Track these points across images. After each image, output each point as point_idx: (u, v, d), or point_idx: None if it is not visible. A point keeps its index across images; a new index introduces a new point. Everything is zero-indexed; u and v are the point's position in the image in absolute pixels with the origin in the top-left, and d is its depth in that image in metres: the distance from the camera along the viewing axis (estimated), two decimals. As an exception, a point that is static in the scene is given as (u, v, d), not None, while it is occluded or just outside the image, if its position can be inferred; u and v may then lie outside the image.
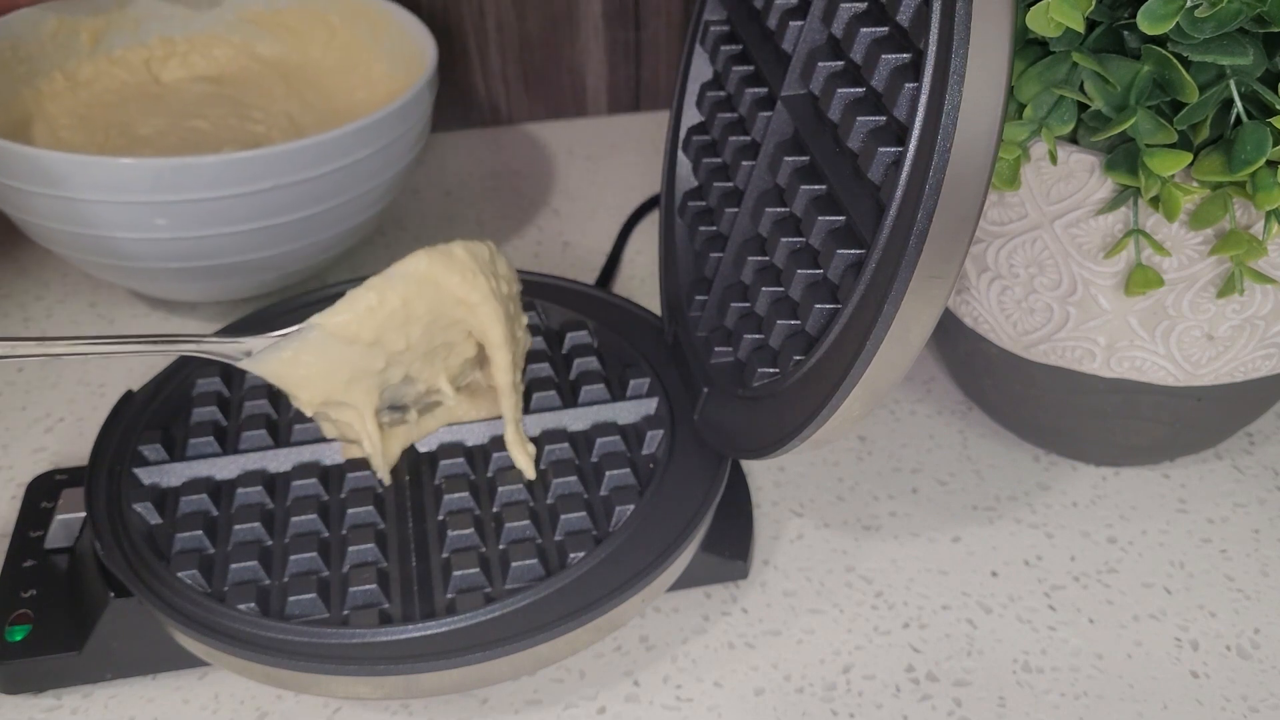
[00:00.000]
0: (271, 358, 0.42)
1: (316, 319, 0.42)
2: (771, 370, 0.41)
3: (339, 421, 0.44)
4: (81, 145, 0.60)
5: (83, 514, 0.45)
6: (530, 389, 0.48)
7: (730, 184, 0.46)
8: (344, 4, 0.66)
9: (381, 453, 0.45)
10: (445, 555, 0.42)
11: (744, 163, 0.44)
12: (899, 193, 0.32)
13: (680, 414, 0.47)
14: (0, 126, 0.60)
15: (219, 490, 0.45)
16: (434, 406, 0.46)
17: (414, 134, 0.57)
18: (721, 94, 0.48)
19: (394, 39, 0.63)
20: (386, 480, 0.45)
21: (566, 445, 0.46)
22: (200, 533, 0.42)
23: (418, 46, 0.61)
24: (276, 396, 0.49)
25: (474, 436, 0.47)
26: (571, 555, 0.41)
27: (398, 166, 0.57)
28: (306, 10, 0.67)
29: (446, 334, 0.44)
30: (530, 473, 0.45)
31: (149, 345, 0.41)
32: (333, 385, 0.43)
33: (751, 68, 0.45)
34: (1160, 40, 0.36)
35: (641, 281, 0.64)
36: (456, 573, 0.41)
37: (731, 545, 0.46)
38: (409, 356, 0.43)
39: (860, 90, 0.37)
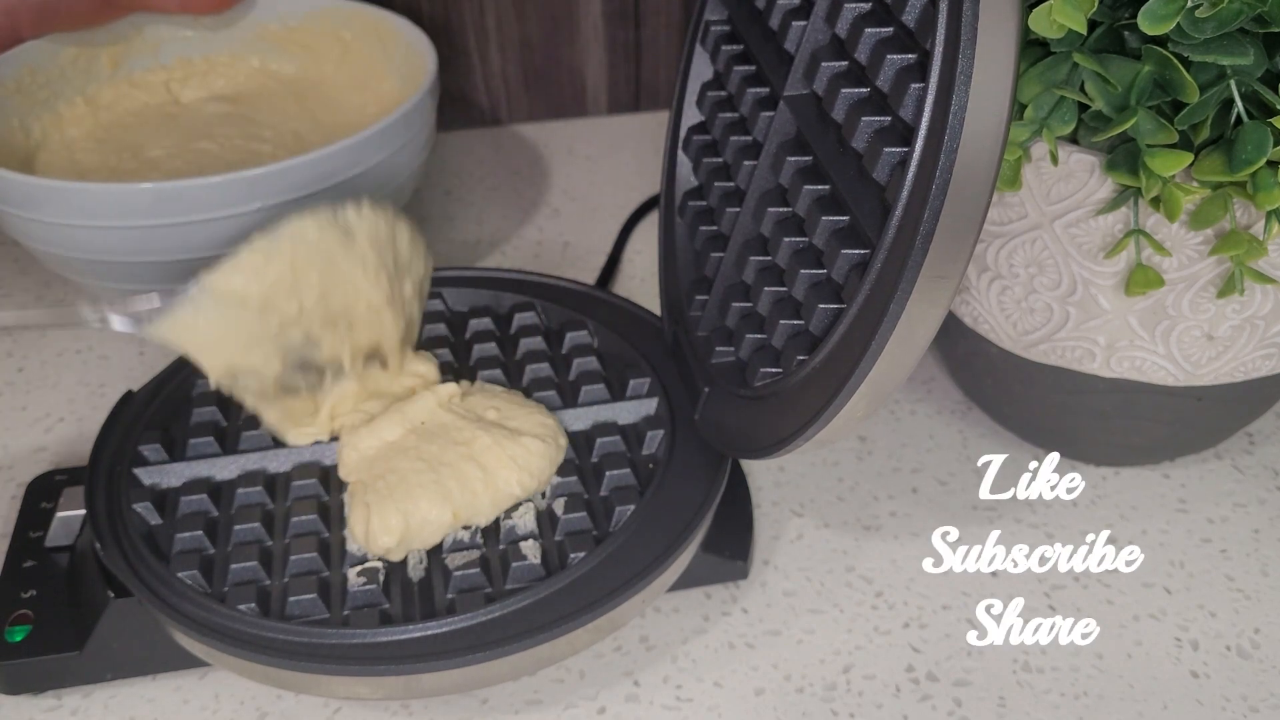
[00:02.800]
0: (166, 322, 0.41)
1: (205, 280, 0.41)
2: (774, 370, 0.41)
3: (246, 388, 0.43)
4: (95, 167, 0.61)
5: (82, 511, 0.45)
6: (530, 389, 0.48)
7: (731, 184, 0.46)
8: (355, 20, 0.67)
9: (280, 418, 0.45)
10: (445, 555, 0.42)
11: (745, 162, 0.44)
12: (905, 193, 0.32)
13: (680, 414, 0.47)
14: (20, 150, 0.60)
15: (219, 490, 0.44)
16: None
17: (414, 147, 0.57)
18: (722, 94, 0.48)
19: (403, 55, 0.64)
20: (325, 435, 0.45)
21: (566, 445, 0.46)
22: (200, 533, 0.42)
23: (424, 63, 0.61)
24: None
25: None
26: (571, 555, 0.41)
27: (398, 180, 0.57)
28: (320, 27, 0.68)
29: (347, 308, 0.43)
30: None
31: (45, 317, 0.42)
32: (232, 350, 0.42)
33: (753, 67, 0.45)
34: (1161, 40, 0.36)
35: (641, 281, 0.64)
36: (456, 573, 0.41)
37: (731, 545, 0.46)
38: (305, 321, 0.43)
39: (865, 90, 0.37)
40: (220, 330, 0.41)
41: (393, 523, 0.41)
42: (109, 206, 0.50)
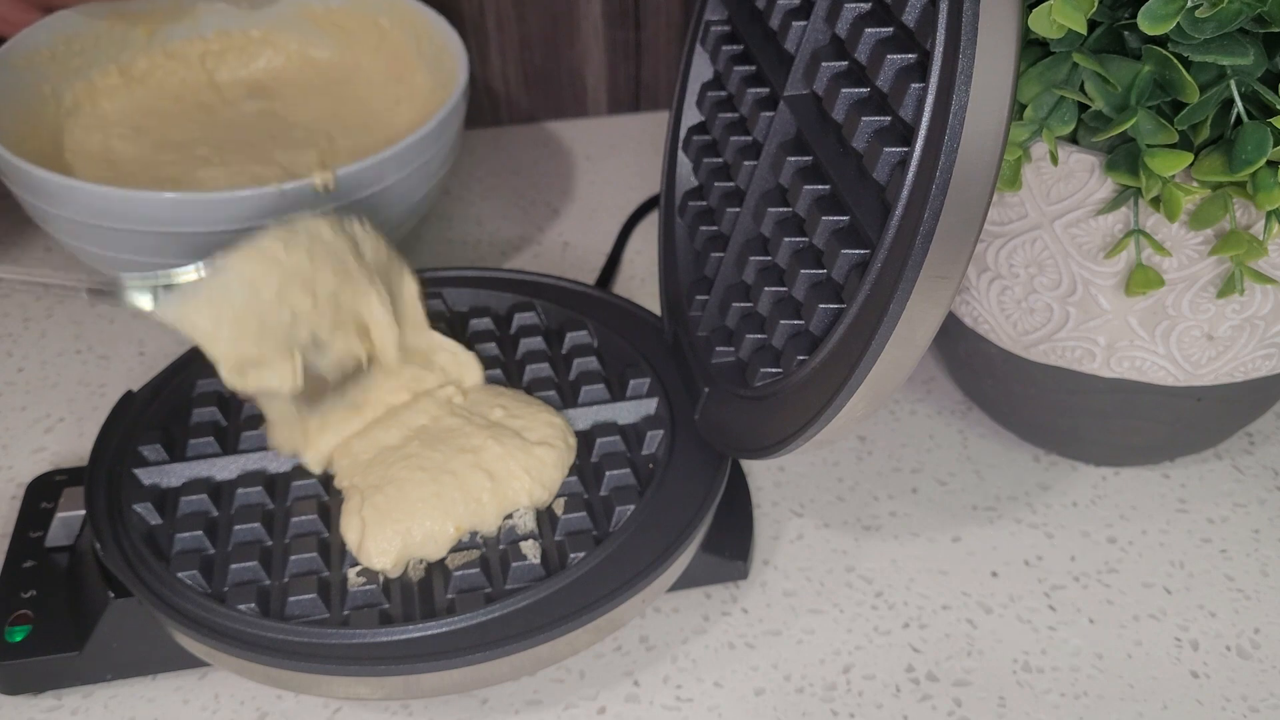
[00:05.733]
0: (178, 301, 0.39)
1: (221, 261, 0.39)
2: (774, 370, 0.41)
3: (263, 396, 0.42)
4: (131, 158, 0.60)
5: (82, 511, 0.45)
6: (530, 389, 0.48)
7: (731, 184, 0.46)
8: (394, 9, 0.66)
9: (303, 432, 0.44)
10: (445, 556, 0.42)
11: (745, 162, 0.44)
12: (905, 193, 0.32)
13: (680, 414, 0.47)
14: (50, 118, 0.60)
15: (219, 490, 0.44)
16: (354, 387, 0.45)
17: (440, 158, 0.57)
18: (722, 94, 0.48)
19: (435, 49, 0.63)
20: (316, 470, 0.44)
21: (575, 445, 0.46)
22: (200, 533, 0.42)
23: (454, 61, 0.60)
24: (276, 396, 0.48)
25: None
26: (571, 555, 0.41)
27: (423, 191, 0.57)
28: (361, 11, 0.67)
29: (356, 312, 0.43)
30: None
31: (58, 280, 0.40)
32: (244, 336, 0.40)
33: (753, 68, 0.45)
34: (1161, 40, 0.36)
35: (641, 281, 0.64)
36: (456, 573, 0.41)
37: (731, 545, 0.46)
38: (316, 318, 0.41)
39: (865, 90, 0.37)
40: (232, 315, 0.39)
41: (389, 546, 0.41)
42: (131, 211, 0.50)
